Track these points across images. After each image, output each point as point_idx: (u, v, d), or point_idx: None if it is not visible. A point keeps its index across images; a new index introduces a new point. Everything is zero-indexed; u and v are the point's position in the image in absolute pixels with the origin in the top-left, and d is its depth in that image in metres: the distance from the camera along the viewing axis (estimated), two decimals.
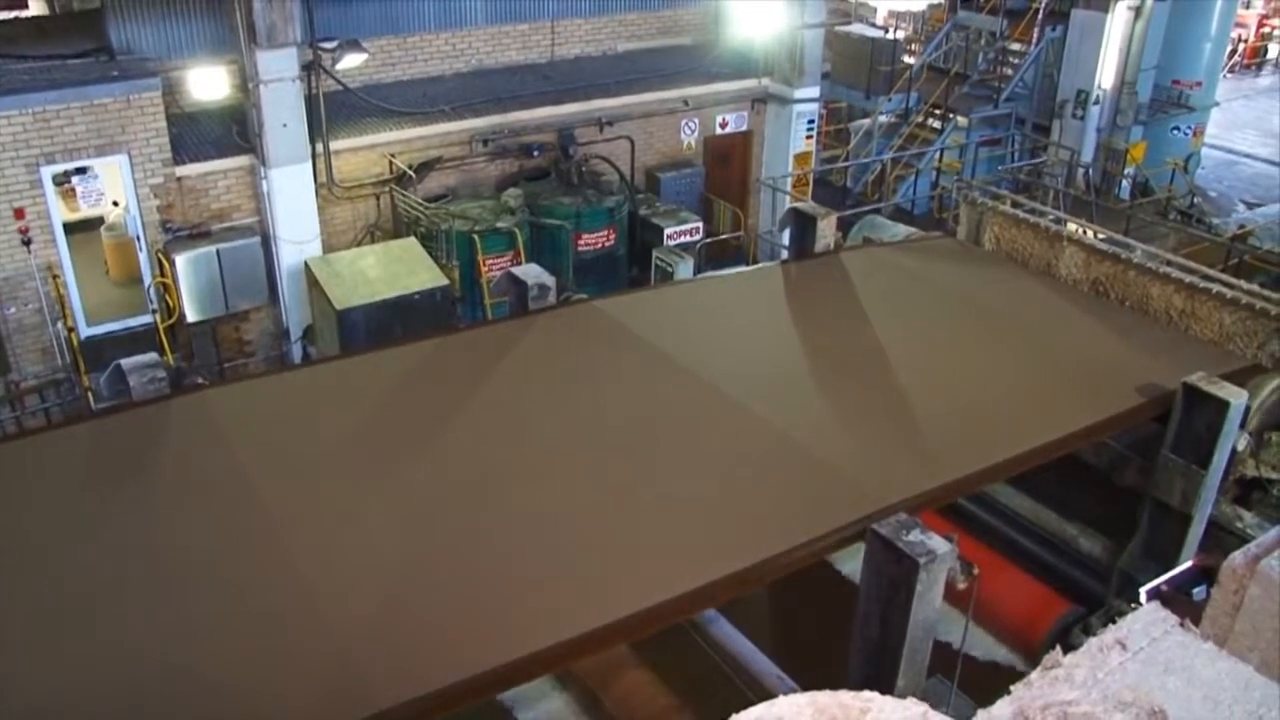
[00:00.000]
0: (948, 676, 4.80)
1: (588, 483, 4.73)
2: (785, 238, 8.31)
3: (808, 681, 4.49)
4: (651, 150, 14.27)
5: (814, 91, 14.76)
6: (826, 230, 7.46)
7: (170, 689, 3.63)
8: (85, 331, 11.26)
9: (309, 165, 11.81)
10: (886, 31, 18.08)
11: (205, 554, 4.34)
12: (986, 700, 2.33)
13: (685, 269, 12.90)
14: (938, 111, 16.71)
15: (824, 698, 2.11)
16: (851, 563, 5.78)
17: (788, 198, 14.13)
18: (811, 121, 14.82)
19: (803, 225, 7.38)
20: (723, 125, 14.83)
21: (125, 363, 6.49)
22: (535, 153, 13.31)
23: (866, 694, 2.14)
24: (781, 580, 4.62)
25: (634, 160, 14.05)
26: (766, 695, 4.87)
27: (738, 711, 2.07)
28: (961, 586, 4.16)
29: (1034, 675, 2.18)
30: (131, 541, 4.47)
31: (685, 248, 13.26)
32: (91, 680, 3.68)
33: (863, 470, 4.71)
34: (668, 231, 13.36)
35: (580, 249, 13.00)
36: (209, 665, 3.73)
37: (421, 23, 13.02)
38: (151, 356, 6.71)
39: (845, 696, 2.11)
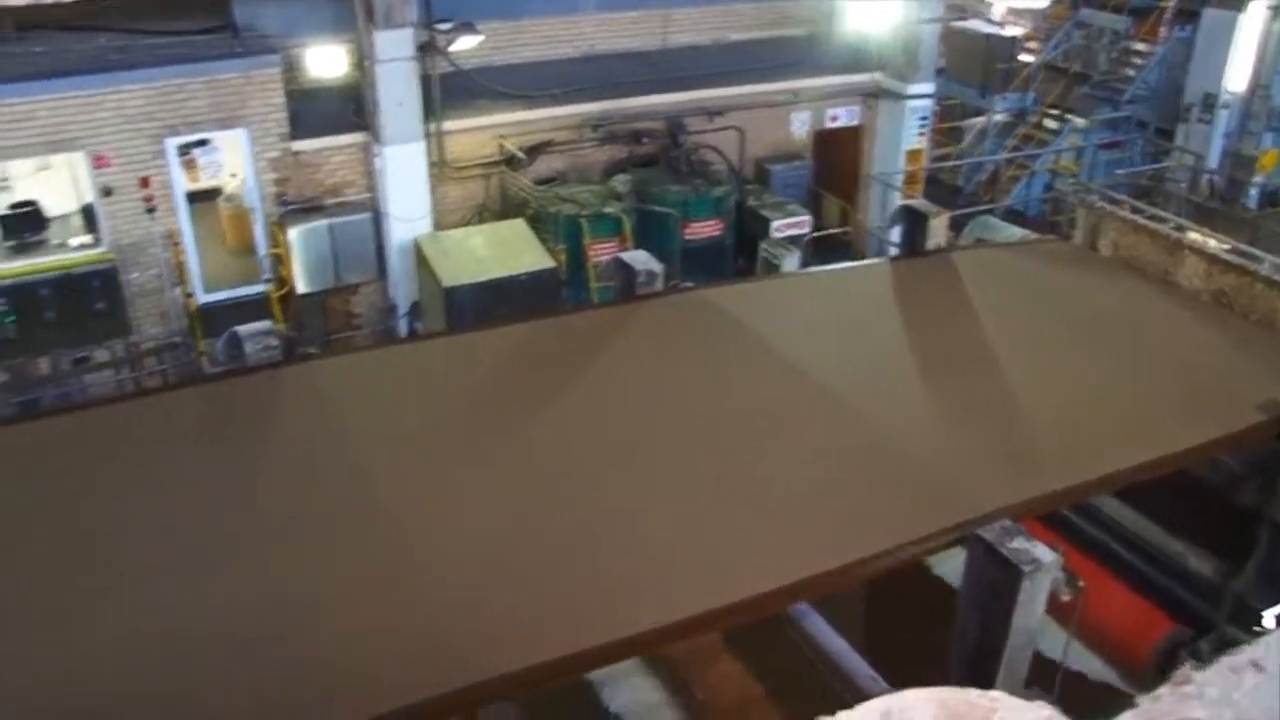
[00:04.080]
0: (1044, 688, 4.81)
1: (686, 471, 4.86)
2: (895, 235, 8.55)
3: (900, 683, 4.67)
4: (761, 141, 14.61)
5: (928, 88, 14.98)
6: (938, 229, 7.63)
7: (267, 651, 3.87)
8: (202, 298, 11.94)
9: (422, 144, 12.38)
10: (1004, 28, 18.20)
11: (306, 518, 4.60)
12: (1087, 715, 2.41)
13: (791, 262, 13.21)
14: (1055, 112, 16.78)
15: (950, 694, 2.14)
16: (947, 565, 5.88)
17: (898, 195, 14.35)
18: (925, 118, 15.03)
19: (914, 223, 7.57)
20: (833, 119, 15.12)
21: (241, 329, 6.98)
22: (644, 140, 13.74)
23: (994, 693, 2.19)
24: (876, 579, 4.78)
25: (743, 151, 14.40)
26: (857, 693, 5.10)
27: (826, 708, 2.11)
28: (1065, 599, 4.22)
29: (1163, 690, 2.14)
30: (237, 501, 4.76)
31: (792, 240, 13.57)
32: (192, 637, 3.93)
33: (966, 473, 4.77)
34: (775, 224, 13.66)
35: (687, 238, 13.37)
36: (304, 628, 3.97)
37: (534, 6, 13.52)
38: (266, 324, 7.19)
39: (973, 694, 2.15)
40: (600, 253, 12.60)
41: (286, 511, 4.69)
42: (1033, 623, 4.19)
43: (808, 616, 5.92)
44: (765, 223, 13.71)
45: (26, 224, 11.69)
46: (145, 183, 11.68)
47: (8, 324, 11.32)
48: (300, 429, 5.64)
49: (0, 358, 11.52)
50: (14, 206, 11.79)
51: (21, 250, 11.64)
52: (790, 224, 13.77)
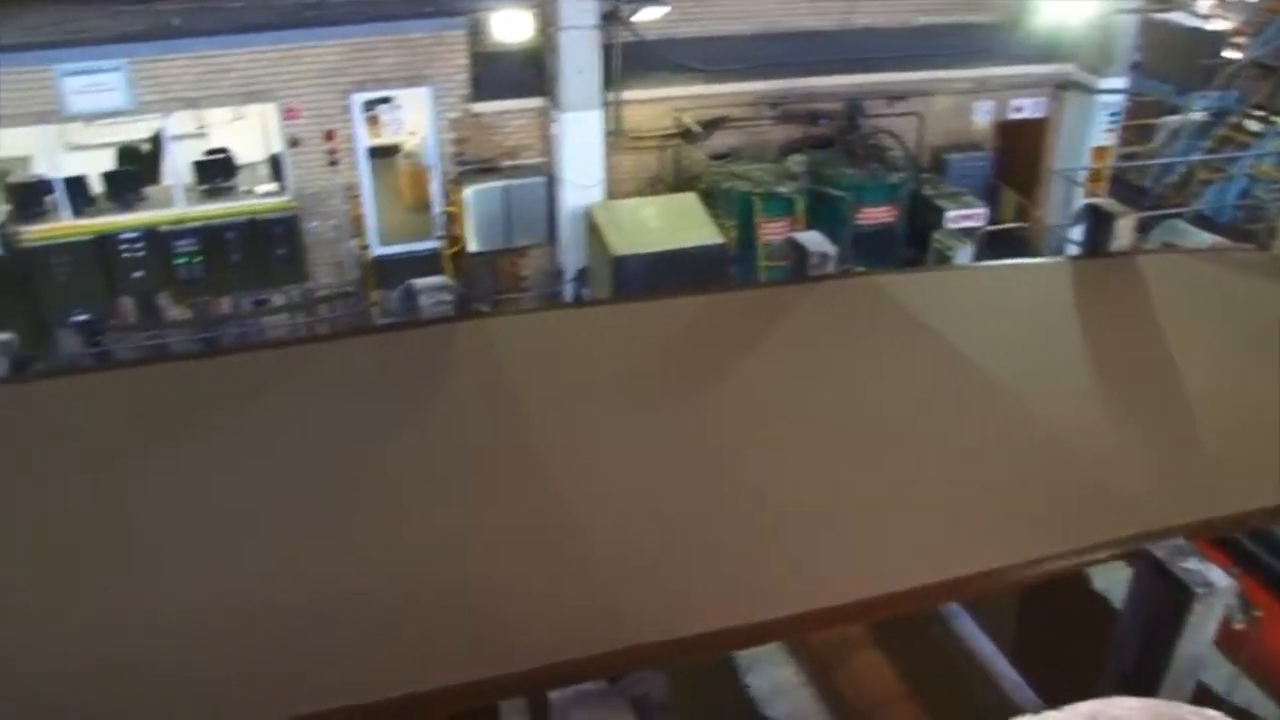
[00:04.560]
0: None
1: (843, 457, 4.73)
2: (1076, 234, 8.19)
3: (1048, 694, 4.38)
4: (940, 129, 14.24)
5: (1121, 82, 14.35)
6: (1124, 230, 7.23)
7: (418, 600, 3.84)
8: (376, 250, 12.27)
9: (600, 112, 12.44)
10: (1210, 21, 17.30)
11: (464, 470, 4.54)
12: None
13: (964, 254, 12.84)
14: (1260, 113, 15.85)
15: (1164, 707, 2.15)
16: (1107, 578, 5.62)
17: (1080, 192, 13.79)
18: (1115, 114, 14.40)
19: (1099, 222, 7.20)
20: (1017, 110, 14.62)
21: (417, 283, 7.07)
22: (821, 121, 13.54)
23: (1210, 712, 2.14)
24: (1032, 585, 4.55)
25: (921, 138, 14.07)
26: (1003, 699, 4.87)
27: (969, 710, 2.08)
28: (1238, 627, 4.00)
29: None
30: (398, 450, 4.70)
31: (966, 233, 13.18)
32: (346, 583, 3.92)
33: (1138, 485, 4.53)
34: (949, 214, 13.29)
35: (859, 222, 13.12)
36: (451, 581, 3.93)
37: None
38: (441, 279, 7.27)
39: (1186, 710, 2.13)
40: (770, 232, 12.46)
41: (446, 463, 4.69)
42: (1200, 649, 3.95)
43: (958, 617, 5.74)
44: (939, 213, 13.35)
45: (218, 170, 12.19)
46: (330, 136, 12.06)
47: (195, 264, 11.84)
48: (467, 384, 5.70)
49: (187, 295, 12.08)
50: (208, 153, 12.31)
51: (212, 195, 12.16)
52: (965, 215, 13.37)
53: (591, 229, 12.15)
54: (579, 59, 12.23)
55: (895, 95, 13.78)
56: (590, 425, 5.21)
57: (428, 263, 11.95)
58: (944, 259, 12.88)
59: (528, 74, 12.69)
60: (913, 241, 13.56)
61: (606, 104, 12.52)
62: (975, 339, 5.95)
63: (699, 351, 5.93)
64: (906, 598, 3.98)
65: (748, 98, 13.26)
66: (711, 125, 13.07)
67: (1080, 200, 13.11)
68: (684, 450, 4.81)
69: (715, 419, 5.16)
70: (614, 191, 12.70)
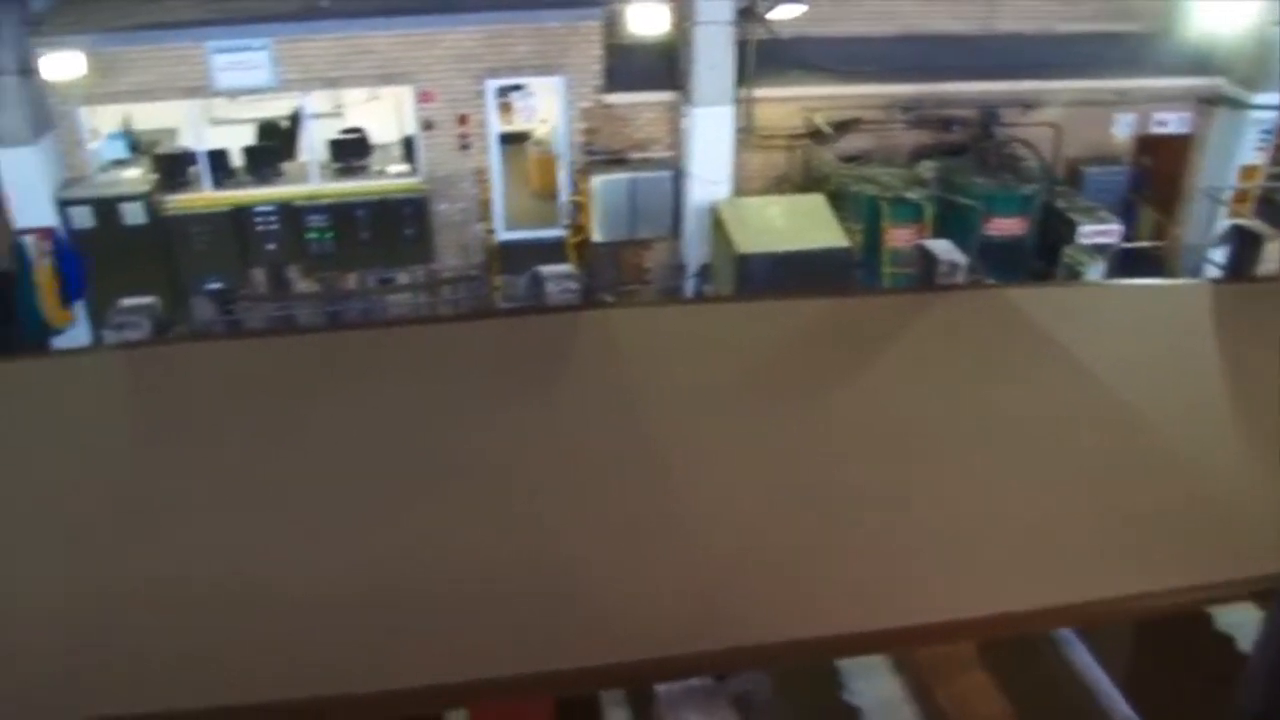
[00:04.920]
0: None
1: (964, 472, 4.58)
2: (1219, 256, 7.90)
3: None
4: (1078, 141, 13.87)
5: (1277, 98, 13.79)
6: (1273, 254, 6.97)
7: (534, 582, 3.82)
8: (502, 235, 12.46)
9: (730, 109, 12.43)
10: None
11: (582, 456, 4.51)
12: None
13: (1096, 271, 12.49)
14: None
15: None
16: (1231, 616, 5.38)
17: (1224, 212, 13.30)
18: (1268, 131, 13.84)
19: (1245, 245, 6.93)
20: (1161, 124, 14.16)
21: (544, 269, 7.12)
22: (955, 127, 13.32)
23: None
24: (1151, 618, 4.44)
25: (1057, 149, 13.72)
26: None
27: None
28: None
29: None
30: (523, 432, 4.68)
31: (1099, 249, 12.82)
32: (452, 563, 3.94)
33: (1274, 523, 4.21)
34: (1082, 229, 12.93)
35: (987, 232, 12.87)
36: (560, 569, 3.91)
37: None
38: (567, 267, 7.31)
39: None
40: (897, 238, 12.30)
41: (562, 450, 4.73)
42: None
43: (1071, 644, 5.59)
44: (1072, 227, 13.00)
45: (353, 149, 12.51)
46: (463, 120, 12.27)
47: (326, 239, 12.17)
48: (588, 373, 5.73)
49: (316, 270, 12.42)
50: (344, 132, 12.65)
51: (346, 173, 12.48)
52: (1099, 231, 12.99)
53: (716, 225, 12.14)
54: (713, 54, 12.23)
55: (1032, 104, 13.48)
56: (710, 422, 5.19)
57: (552, 250, 12.08)
58: (1074, 275, 12.56)
59: (660, 67, 12.74)
60: (1042, 255, 13.24)
61: (738, 100, 12.50)
62: (1108, 359, 5.79)
63: (822, 354, 5.88)
64: (1020, 619, 3.89)
65: (881, 100, 13.10)
66: (842, 127, 12.96)
67: (1223, 221, 12.66)
68: (803, 452, 4.76)
69: (837, 423, 5.11)
70: (741, 189, 12.67)
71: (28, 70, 11.50)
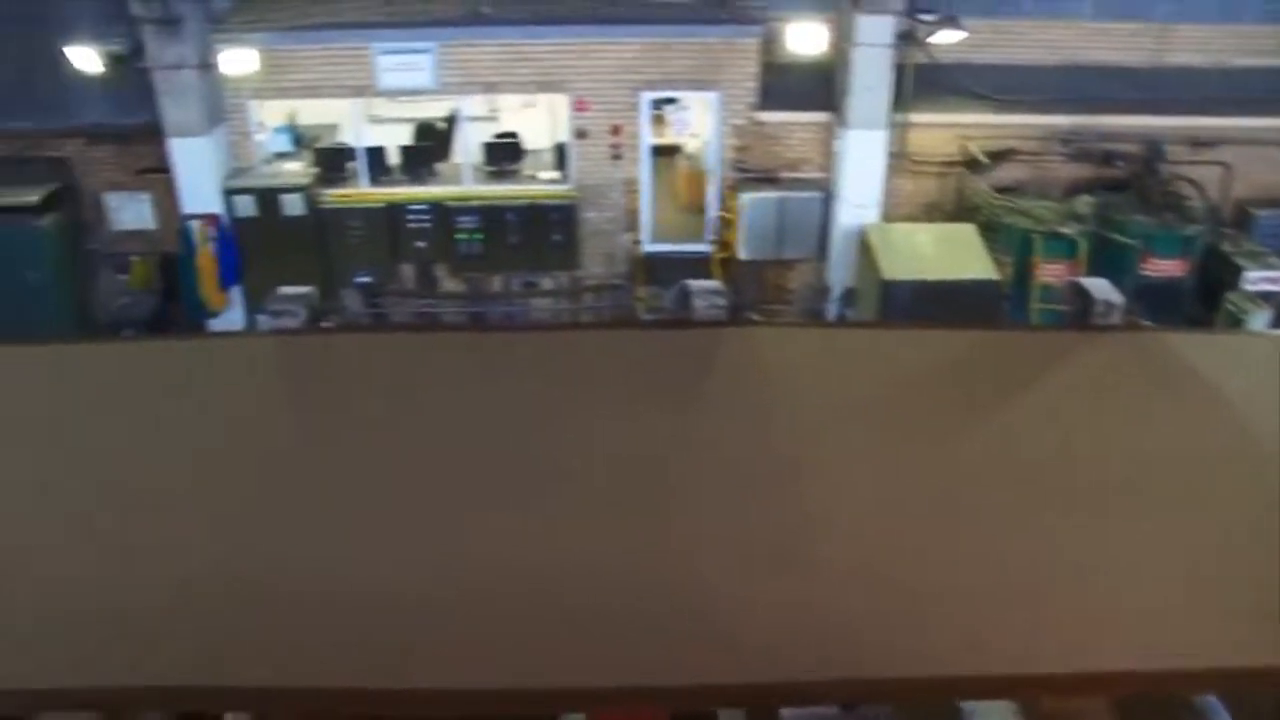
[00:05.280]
0: None
1: (1104, 519, 4.43)
2: None
3: None
4: (1249, 181, 13.37)
5: None
6: None
7: (663, 598, 3.84)
8: (647, 246, 12.60)
9: (884, 133, 12.34)
10: None
11: (719, 473, 4.50)
12: None
13: (1260, 319, 12.02)
14: None
15: None
16: None
17: None
18: None
19: None
20: None
21: (692, 284, 7.13)
22: (1116, 162, 12.96)
23: None
24: None
25: (1226, 190, 13.25)
26: None
27: None
28: None
29: None
30: (660, 446, 4.69)
31: (1265, 296, 12.33)
32: (580, 574, 3.95)
33: None
34: (1249, 275, 12.45)
35: (1144, 272, 12.49)
36: (697, 584, 3.90)
37: (1027, 7, 13.08)
38: (715, 283, 7.31)
39: None
40: (1048, 273, 12.04)
41: (699, 465, 4.73)
42: None
43: (1215, 712, 5.35)
44: (1237, 272, 12.53)
45: (506, 153, 12.80)
46: (616, 131, 12.45)
47: (474, 240, 12.48)
48: (730, 389, 5.74)
49: (463, 269, 12.73)
50: (498, 136, 12.96)
51: (498, 176, 12.78)
52: (1267, 278, 12.49)
53: (863, 250, 12.06)
54: (870, 77, 12.16)
55: (1201, 141, 13.04)
56: (848, 448, 5.15)
57: (696, 265, 12.17)
58: (1236, 322, 12.12)
59: (816, 88, 12.71)
60: (1202, 300, 12.80)
61: (892, 124, 12.40)
62: (1268, 412, 5.56)
63: (965, 388, 5.78)
64: (1158, 679, 3.78)
65: (1039, 131, 12.85)
66: (998, 156, 12.74)
67: None
68: (940, 487, 4.70)
69: (976, 459, 5.02)
70: (890, 214, 12.57)
71: (207, 65, 12.09)
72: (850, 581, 4.00)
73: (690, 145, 13.47)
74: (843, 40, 12.29)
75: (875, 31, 12.05)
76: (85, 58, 12.09)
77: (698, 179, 12.89)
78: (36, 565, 4.35)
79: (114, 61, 12.13)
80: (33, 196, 12.74)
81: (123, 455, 5.39)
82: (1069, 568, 4.12)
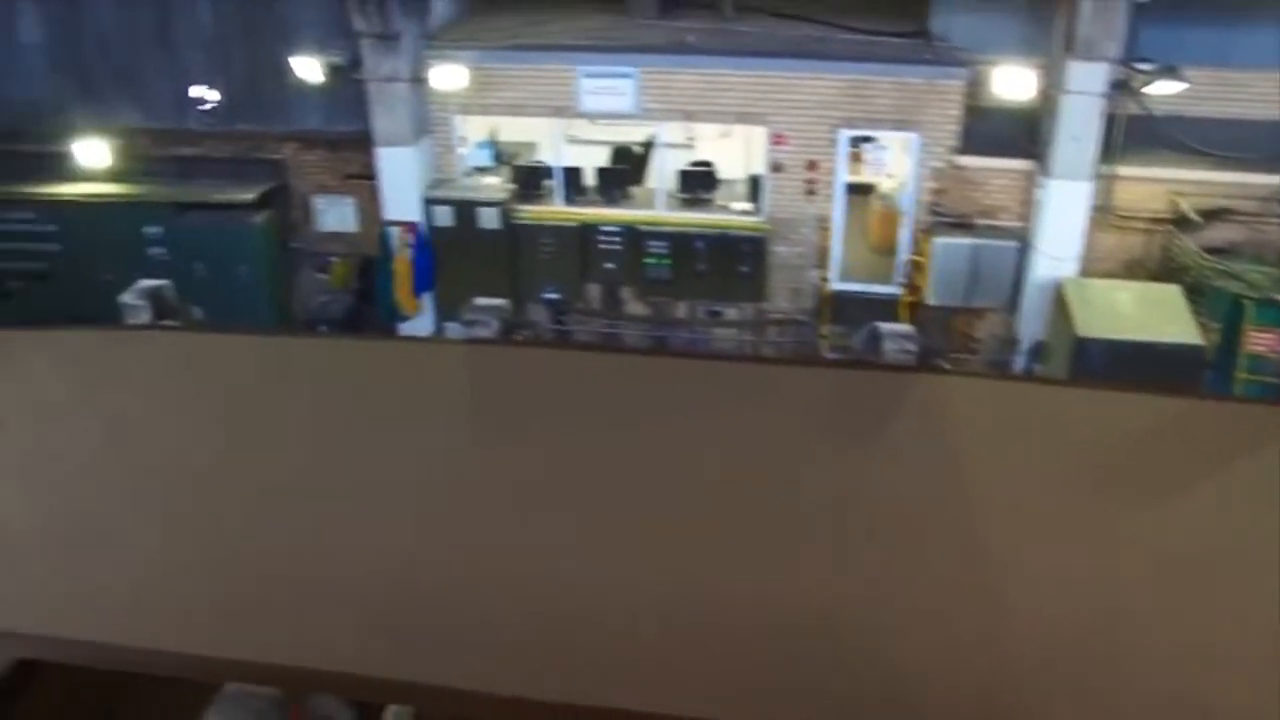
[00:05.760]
0: None
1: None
2: None
3: None
4: None
5: None
6: None
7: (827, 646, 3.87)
8: (835, 285, 12.60)
9: (1089, 184, 12.07)
10: None
11: (894, 520, 4.61)
12: None
13: None
14: None
15: None
16: None
17: None
18: None
19: None
20: None
21: (882, 326, 7.09)
22: None
23: None
24: None
25: None
26: None
27: None
28: None
29: None
30: (834, 486, 4.84)
31: None
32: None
33: None
34: None
35: None
36: (848, 622, 3.92)
37: (1258, 57, 12.55)
38: (907, 327, 7.27)
39: None
40: (1259, 342, 11.56)
41: (876, 511, 4.75)
42: None
43: None
44: None
45: (700, 182, 13.01)
46: (812, 166, 12.52)
47: (663, 265, 12.72)
48: (917, 437, 5.70)
49: (649, 294, 12.98)
50: (693, 164, 13.17)
51: (690, 204, 13.00)
52: None
53: (1058, 304, 11.82)
54: (1077, 125, 11.92)
55: None
56: (1030, 510, 5.06)
57: (884, 306, 12.13)
58: None
59: (1019, 134, 12.53)
60: None
61: (1098, 176, 12.11)
62: None
63: (1159, 458, 5.62)
64: None
65: (1258, 190, 12.35)
66: (1211, 215, 12.30)
67: None
68: (1124, 560, 4.61)
69: (1165, 534, 4.88)
70: (1089, 269, 12.28)
71: (419, 79, 12.67)
72: (1019, 651, 4.05)
73: (885, 185, 13.43)
74: (1052, 86, 12.07)
75: (1087, 79, 11.81)
76: (308, 67, 12.81)
77: (890, 220, 12.83)
78: (236, 543, 4.72)
79: (333, 72, 12.83)
80: (249, 195, 13.58)
81: (312, 449, 5.75)
82: (1248, 661, 4.11)
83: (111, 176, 13.87)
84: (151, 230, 13.82)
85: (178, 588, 4.69)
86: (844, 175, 12.54)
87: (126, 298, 7.83)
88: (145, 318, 7.76)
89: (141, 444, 6.38)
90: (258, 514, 5.31)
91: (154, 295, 7.90)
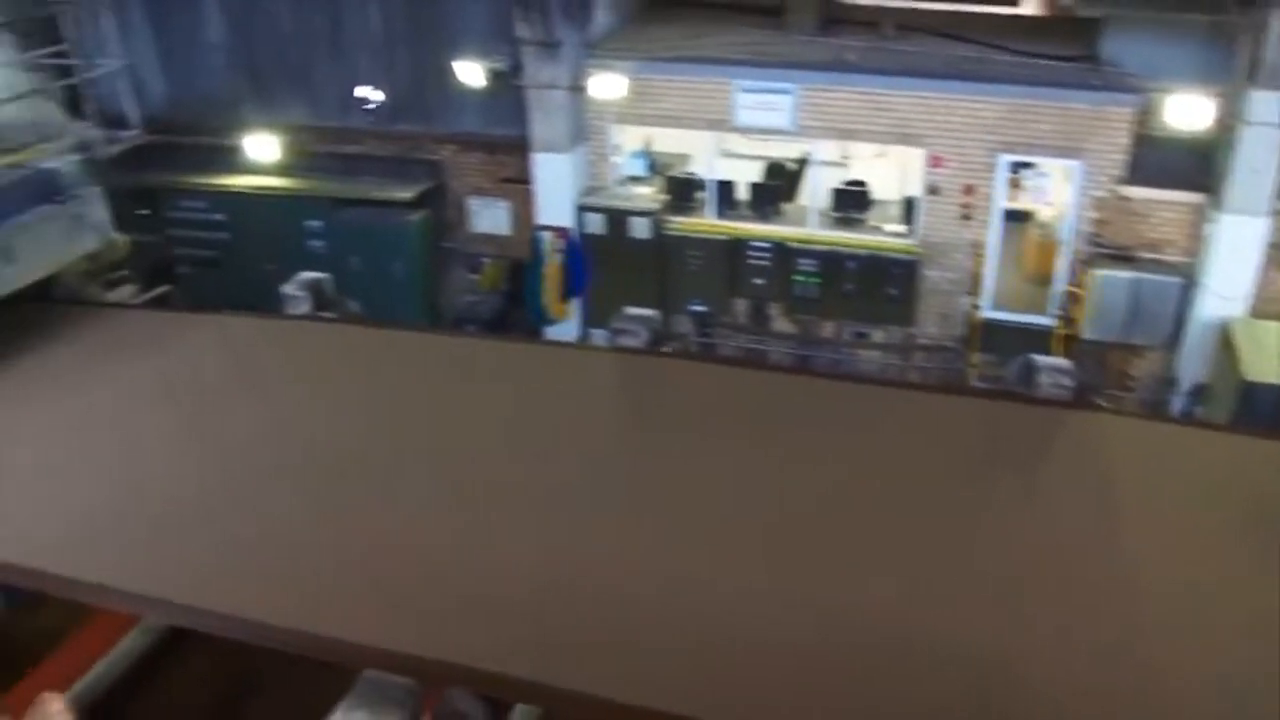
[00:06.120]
0: None
1: None
2: None
3: None
4: None
5: None
6: None
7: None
8: (986, 312, 12.44)
9: (1266, 220, 11.66)
10: None
11: (1052, 561, 4.63)
12: None
13: None
14: None
15: None
16: None
17: None
18: None
19: None
20: None
21: (1039, 359, 6.95)
22: None
23: None
24: None
25: None
26: None
27: None
28: None
29: None
30: (990, 519, 4.88)
31: None
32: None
33: None
34: None
35: None
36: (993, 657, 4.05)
37: None
38: (1064, 362, 7.10)
39: None
40: None
41: (1035, 549, 4.79)
42: None
43: None
44: None
45: (853, 201, 12.99)
46: (968, 190, 12.38)
47: (811, 284, 12.74)
48: (1071, 474, 5.59)
49: (795, 311, 13.03)
50: (846, 183, 13.16)
51: (842, 223, 12.99)
52: None
53: (1224, 345, 11.47)
54: (1258, 158, 11.52)
55: None
56: (1194, 561, 4.94)
57: (1036, 338, 11.94)
58: None
59: (1190, 165, 12.16)
60: None
61: (1275, 212, 11.70)
62: None
63: None
64: None
65: None
66: None
67: None
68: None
69: None
70: (1260, 310, 11.86)
71: (578, 87, 12.92)
72: (1184, 702, 4.05)
73: (1044, 213, 13.18)
74: (1230, 116, 11.70)
75: (1271, 109, 11.41)
76: (470, 72, 13.21)
77: (1048, 249, 12.61)
78: (385, 535, 5.01)
79: (494, 77, 13.19)
80: (408, 193, 14.06)
81: (464, 448, 6.00)
82: None
83: (278, 170, 14.53)
84: (312, 223, 14.43)
85: (327, 572, 4.98)
86: (1002, 201, 12.35)
87: (288, 288, 8.27)
88: (305, 308, 8.19)
89: (298, 429, 6.78)
90: (405, 508, 5.62)
91: (314, 287, 8.33)
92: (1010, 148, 12.30)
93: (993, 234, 12.35)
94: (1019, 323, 12.43)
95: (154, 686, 5.51)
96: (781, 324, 13.22)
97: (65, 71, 9.71)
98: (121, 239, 9.05)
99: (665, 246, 13.18)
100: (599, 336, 12.89)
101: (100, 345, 7.83)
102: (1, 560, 5.16)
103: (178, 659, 5.86)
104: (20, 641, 5.61)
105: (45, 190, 8.38)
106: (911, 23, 13.38)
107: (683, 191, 13.43)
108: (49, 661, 5.52)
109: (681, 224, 13.25)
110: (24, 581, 5.14)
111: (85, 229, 8.70)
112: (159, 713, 4.75)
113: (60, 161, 8.60)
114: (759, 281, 12.97)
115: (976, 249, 12.34)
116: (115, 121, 12.30)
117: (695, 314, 13.24)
